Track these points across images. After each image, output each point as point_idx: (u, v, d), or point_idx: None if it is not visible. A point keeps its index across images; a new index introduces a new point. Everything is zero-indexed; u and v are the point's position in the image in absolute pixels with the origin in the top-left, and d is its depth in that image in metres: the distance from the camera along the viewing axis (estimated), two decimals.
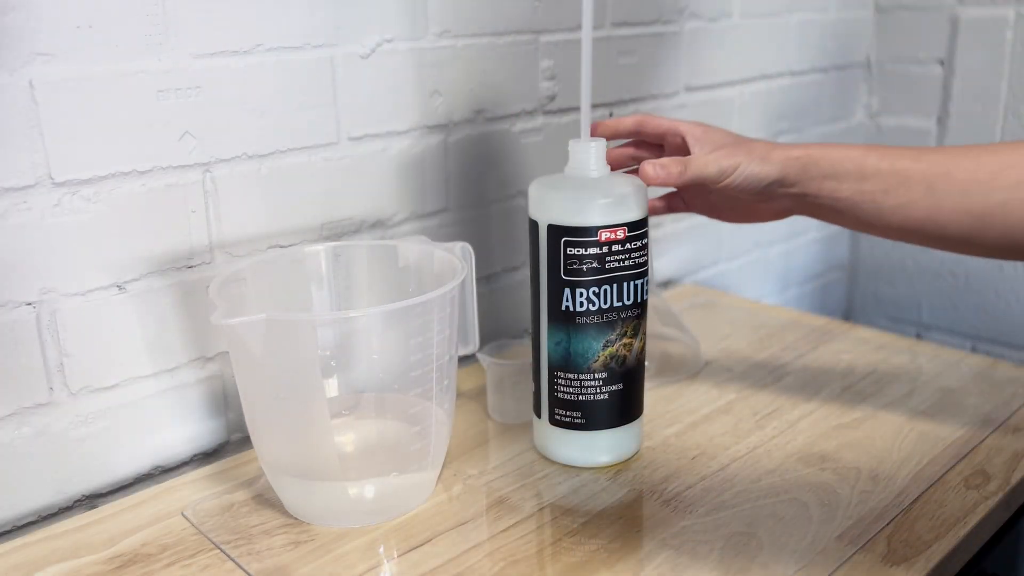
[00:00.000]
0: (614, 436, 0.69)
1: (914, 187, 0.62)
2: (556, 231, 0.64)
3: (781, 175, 0.64)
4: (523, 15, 0.91)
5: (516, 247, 0.97)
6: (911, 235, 0.65)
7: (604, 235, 0.63)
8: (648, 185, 0.65)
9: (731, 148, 0.65)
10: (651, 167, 0.64)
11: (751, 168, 0.64)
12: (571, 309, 0.65)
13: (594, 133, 0.71)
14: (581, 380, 0.67)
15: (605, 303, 0.65)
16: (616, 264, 0.64)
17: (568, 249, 0.64)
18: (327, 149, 0.78)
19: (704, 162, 0.64)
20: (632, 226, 0.64)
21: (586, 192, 0.64)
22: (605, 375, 0.67)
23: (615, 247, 0.64)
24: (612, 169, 0.68)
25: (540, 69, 0.94)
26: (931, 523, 0.62)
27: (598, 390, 0.67)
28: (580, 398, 0.67)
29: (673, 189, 0.75)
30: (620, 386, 0.68)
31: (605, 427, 0.69)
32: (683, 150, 0.68)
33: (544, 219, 0.65)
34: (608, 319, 0.65)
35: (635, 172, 0.67)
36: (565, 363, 0.66)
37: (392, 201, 0.85)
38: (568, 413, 0.68)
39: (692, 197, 0.75)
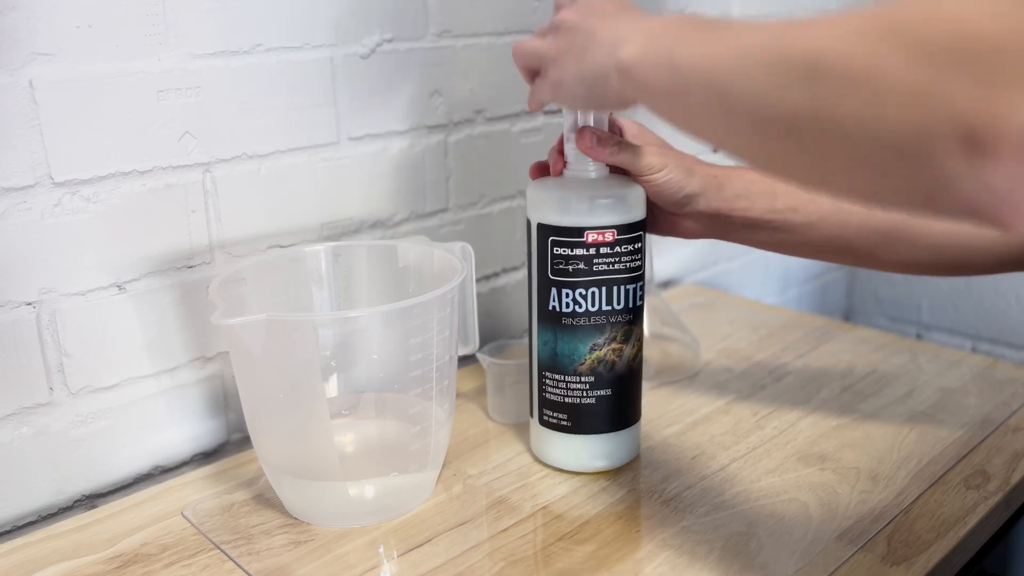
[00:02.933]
0: (604, 442, 0.68)
1: (822, 205, 0.64)
2: (544, 230, 0.64)
3: (700, 190, 0.65)
4: (523, 15, 0.91)
5: (516, 247, 0.97)
6: (819, 252, 0.67)
7: (591, 236, 0.63)
8: (581, 151, 0.64)
9: (663, 149, 0.66)
10: (588, 134, 0.63)
11: (675, 174, 0.64)
12: (557, 309, 0.65)
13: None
14: (567, 382, 0.66)
15: (593, 306, 0.64)
16: (605, 267, 0.64)
17: (555, 249, 0.64)
18: (327, 149, 0.78)
19: (636, 151, 0.64)
20: (623, 229, 0.63)
21: (577, 192, 0.64)
22: (592, 379, 0.66)
23: (603, 249, 0.63)
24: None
25: None
26: (931, 523, 0.62)
27: (584, 394, 0.66)
28: (567, 400, 0.67)
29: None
30: (608, 392, 0.66)
31: (592, 432, 0.68)
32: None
33: (535, 218, 0.65)
34: (596, 322, 0.65)
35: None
36: (552, 363, 0.66)
37: (392, 201, 0.85)
38: (555, 414, 0.68)
39: None
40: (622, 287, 0.65)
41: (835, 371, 0.87)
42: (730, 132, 0.43)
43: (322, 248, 0.72)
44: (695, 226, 0.68)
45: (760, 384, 0.84)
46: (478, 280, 0.94)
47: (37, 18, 0.61)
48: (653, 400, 0.81)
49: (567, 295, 0.64)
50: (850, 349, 0.92)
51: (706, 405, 0.80)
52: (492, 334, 0.96)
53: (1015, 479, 0.67)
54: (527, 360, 0.73)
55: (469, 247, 0.71)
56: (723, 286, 1.28)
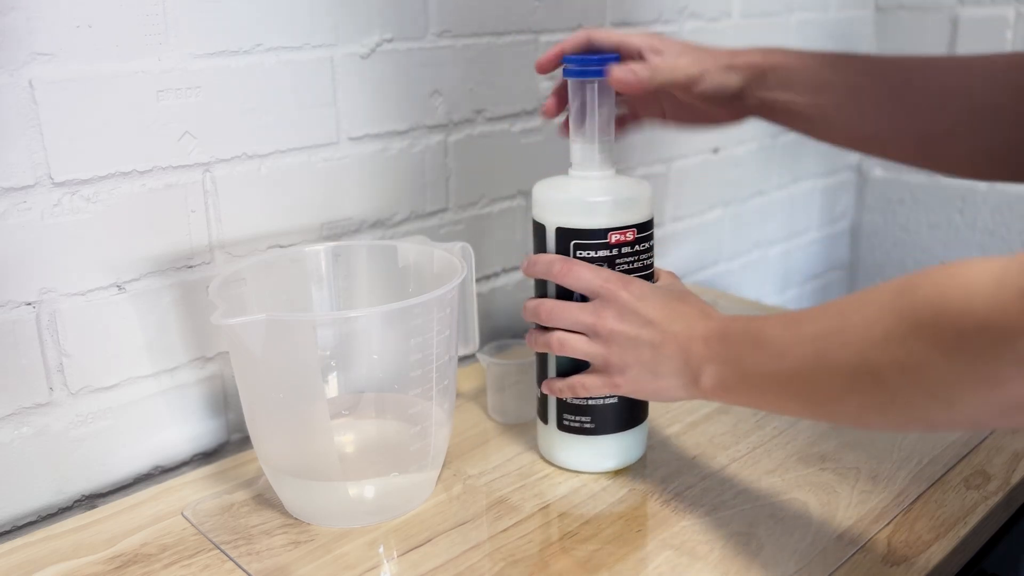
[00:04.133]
0: (622, 440, 0.69)
1: (864, 102, 0.63)
2: (565, 234, 0.63)
3: (743, 83, 0.64)
4: (523, 15, 0.91)
5: (516, 247, 0.97)
6: (863, 147, 0.67)
7: (614, 237, 0.63)
8: (616, 89, 0.63)
9: (695, 55, 0.64)
10: (619, 70, 0.62)
11: (717, 77, 0.63)
12: None
13: (540, 63, 0.68)
14: None
15: None
16: (626, 266, 0.64)
17: (578, 252, 0.63)
18: (327, 149, 0.78)
19: (672, 67, 0.63)
20: (641, 227, 0.64)
21: (594, 194, 0.64)
22: None
23: (624, 249, 0.64)
24: (546, 70, 0.67)
25: None
26: (931, 523, 0.62)
27: (605, 395, 0.66)
28: (590, 402, 0.66)
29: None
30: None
31: (613, 431, 0.68)
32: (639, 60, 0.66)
33: (552, 222, 0.64)
34: None
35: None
36: (572, 368, 0.66)
37: (392, 201, 0.85)
38: (578, 418, 0.67)
39: (645, 106, 0.72)
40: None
41: None
42: (815, 417, 0.53)
43: (322, 248, 0.72)
44: (738, 112, 0.67)
45: None
46: (478, 280, 0.94)
47: (37, 18, 0.61)
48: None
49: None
50: None
51: (706, 405, 0.80)
52: (492, 334, 0.96)
53: (1015, 479, 0.67)
54: (527, 360, 0.73)
55: (469, 247, 0.71)
56: (723, 286, 1.28)
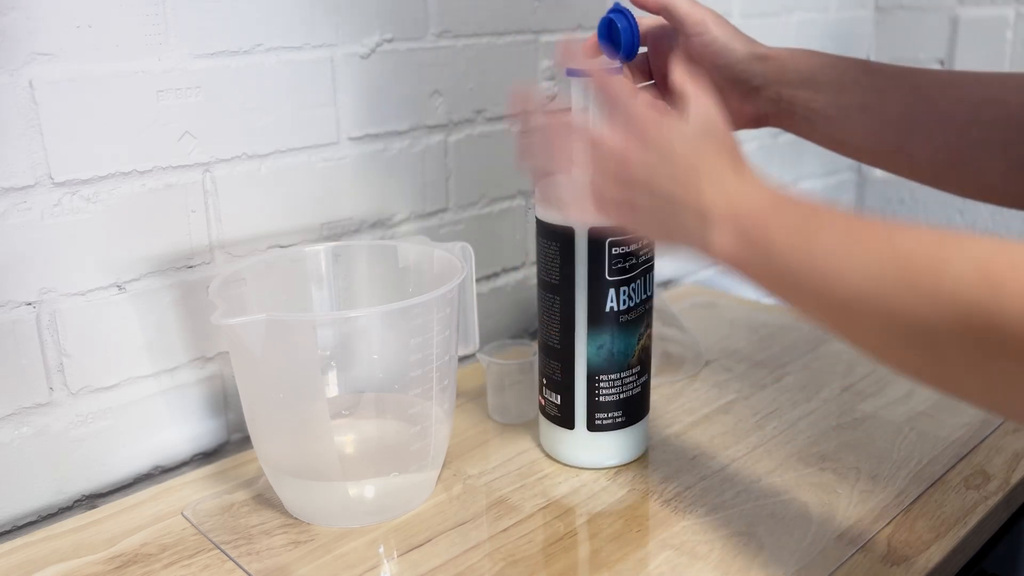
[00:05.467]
0: (643, 426, 0.71)
1: (888, 108, 0.59)
2: (600, 234, 0.63)
3: (762, 75, 0.61)
4: (523, 15, 0.91)
5: (516, 247, 0.97)
6: (878, 159, 0.62)
7: None
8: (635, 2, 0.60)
9: (731, 30, 0.62)
10: None
11: (721, 32, 0.61)
12: (616, 309, 0.65)
13: (585, 48, 0.64)
14: (622, 378, 0.67)
15: (638, 298, 0.66)
16: (645, 256, 0.66)
17: (613, 249, 0.64)
18: (327, 149, 0.78)
19: (688, 10, 0.60)
20: None
21: None
22: (638, 368, 0.68)
23: (644, 240, 0.65)
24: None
25: (540, 69, 0.94)
26: (931, 523, 0.62)
27: (634, 384, 0.68)
28: (621, 396, 0.68)
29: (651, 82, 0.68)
30: (646, 376, 0.69)
31: (639, 419, 0.70)
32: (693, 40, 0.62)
33: (583, 224, 0.64)
34: (639, 313, 0.67)
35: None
36: (608, 365, 0.66)
37: (392, 201, 0.85)
38: (611, 415, 0.68)
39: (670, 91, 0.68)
40: (650, 273, 0.67)
41: (835, 371, 0.87)
42: (844, 328, 0.44)
43: (322, 248, 0.72)
44: (756, 111, 0.63)
45: (760, 384, 0.84)
46: (478, 280, 0.94)
47: (37, 18, 0.61)
48: (654, 400, 0.80)
49: (624, 292, 0.65)
50: (850, 349, 0.92)
51: (706, 405, 0.80)
52: (492, 334, 0.96)
53: (1015, 479, 0.67)
54: (527, 360, 0.73)
55: (469, 247, 0.71)
56: (723, 286, 1.28)
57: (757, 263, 0.46)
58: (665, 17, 0.63)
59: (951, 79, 0.60)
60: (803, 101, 0.61)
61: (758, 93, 0.62)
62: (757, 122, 0.64)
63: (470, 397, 0.83)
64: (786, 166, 1.35)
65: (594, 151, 0.53)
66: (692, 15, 0.61)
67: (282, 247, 0.77)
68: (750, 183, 0.49)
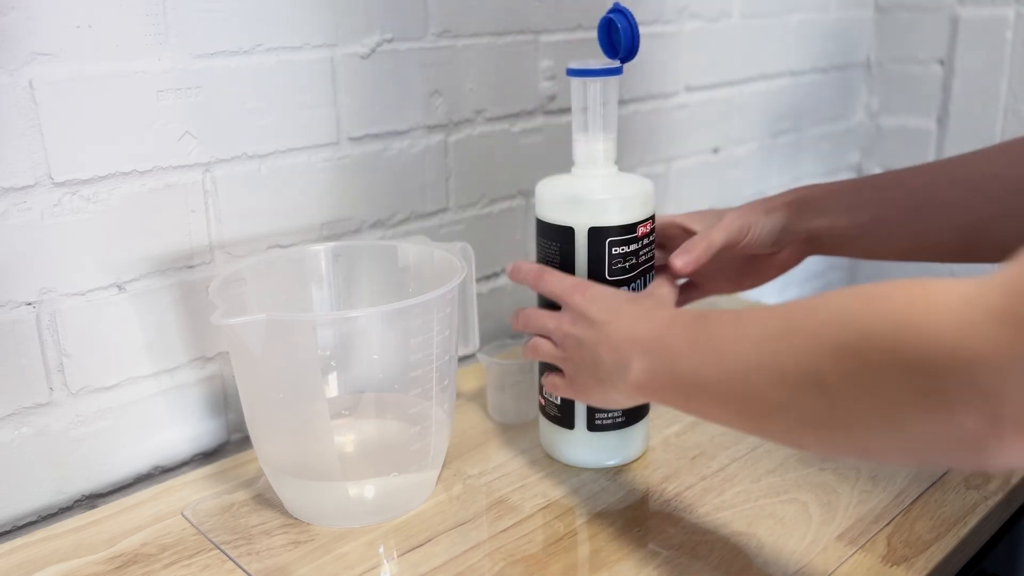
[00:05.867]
0: (644, 426, 0.71)
1: (900, 212, 0.64)
2: (600, 233, 0.63)
3: (787, 220, 0.67)
4: (523, 15, 0.91)
5: (516, 247, 0.97)
6: (910, 256, 0.66)
7: (641, 229, 0.65)
8: (684, 274, 0.65)
9: (736, 212, 0.67)
10: (678, 259, 0.64)
11: (763, 221, 0.66)
12: None
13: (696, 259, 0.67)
14: None
15: None
16: (645, 255, 0.66)
17: (613, 249, 0.64)
18: (327, 149, 0.78)
19: (723, 226, 0.65)
20: (652, 218, 0.66)
21: (619, 190, 0.64)
22: None
23: (645, 240, 0.65)
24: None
25: (540, 69, 0.94)
26: (931, 523, 0.62)
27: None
28: None
29: (684, 280, 0.74)
30: None
31: (639, 419, 0.70)
32: (685, 238, 0.68)
33: (583, 223, 0.64)
34: None
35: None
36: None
37: (392, 201, 0.85)
38: (611, 414, 0.68)
39: (708, 279, 0.74)
40: (650, 273, 0.67)
41: None
42: (744, 429, 0.48)
43: (322, 248, 0.72)
44: (793, 252, 0.69)
45: None
46: (478, 280, 0.94)
47: (37, 18, 0.61)
48: None
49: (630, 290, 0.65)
50: None
51: None
52: (492, 334, 0.96)
53: (1015, 479, 0.67)
54: (527, 360, 0.73)
55: (469, 247, 0.71)
56: None
57: (665, 371, 0.52)
58: (673, 235, 0.70)
59: (947, 166, 0.64)
60: (827, 230, 0.66)
61: (787, 238, 0.68)
62: (797, 257, 0.70)
63: (470, 397, 0.83)
64: (786, 166, 1.36)
65: (545, 327, 0.63)
66: (687, 219, 0.68)
67: (282, 247, 0.77)
68: (649, 318, 0.55)
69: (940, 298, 0.36)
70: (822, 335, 0.40)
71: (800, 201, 0.67)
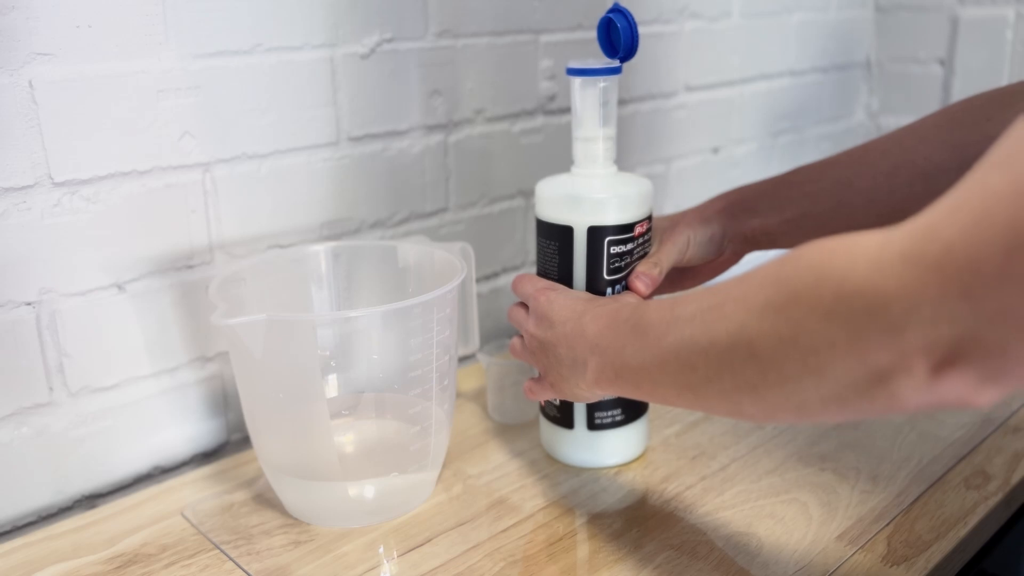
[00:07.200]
0: (644, 424, 0.71)
1: (825, 205, 0.66)
2: (598, 232, 0.64)
3: (723, 226, 0.68)
4: (523, 15, 0.91)
5: (516, 247, 0.97)
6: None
7: (638, 229, 0.65)
8: (645, 296, 0.66)
9: (672, 229, 0.68)
10: (639, 282, 0.65)
11: (701, 232, 0.68)
12: None
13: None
14: None
15: None
16: (640, 255, 0.66)
17: (612, 248, 0.64)
18: (327, 149, 0.78)
19: (668, 250, 0.67)
20: (650, 217, 0.66)
21: (618, 189, 0.65)
22: None
23: (641, 239, 0.65)
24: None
25: (540, 69, 0.94)
26: (931, 523, 0.62)
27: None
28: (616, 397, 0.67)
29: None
30: None
31: (639, 418, 0.70)
32: None
33: (583, 222, 0.64)
34: None
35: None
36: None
37: (392, 201, 0.85)
38: (610, 413, 0.68)
39: (669, 281, 0.75)
40: None
41: None
42: (689, 404, 0.49)
43: (322, 248, 0.72)
44: (729, 256, 0.71)
45: None
46: (478, 280, 0.94)
47: (37, 18, 0.61)
48: None
49: (619, 290, 0.65)
50: None
51: None
52: (492, 334, 0.96)
53: (1015, 479, 0.67)
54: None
55: (469, 247, 0.71)
56: None
57: (612, 364, 0.54)
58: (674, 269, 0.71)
59: (862, 155, 0.66)
60: (761, 229, 0.68)
61: (725, 242, 0.70)
62: (738, 257, 0.72)
63: (470, 397, 0.83)
64: (786, 166, 1.35)
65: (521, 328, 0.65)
66: (678, 255, 0.69)
67: (282, 247, 0.77)
68: (598, 316, 0.57)
69: (857, 247, 0.37)
70: (750, 298, 0.42)
71: (732, 206, 0.69)
